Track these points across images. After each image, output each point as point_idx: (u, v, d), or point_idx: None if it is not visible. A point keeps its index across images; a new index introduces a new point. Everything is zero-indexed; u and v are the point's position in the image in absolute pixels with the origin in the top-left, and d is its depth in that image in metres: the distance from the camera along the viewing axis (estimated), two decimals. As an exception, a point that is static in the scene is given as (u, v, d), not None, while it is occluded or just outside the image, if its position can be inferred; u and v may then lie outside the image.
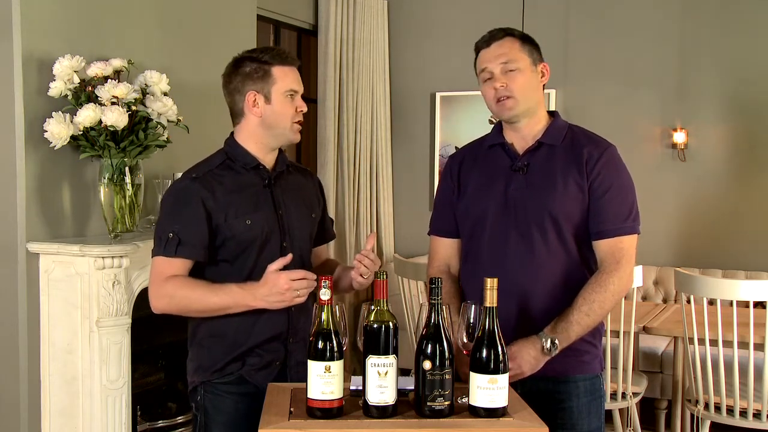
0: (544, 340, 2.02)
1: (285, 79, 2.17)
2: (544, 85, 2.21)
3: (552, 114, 2.22)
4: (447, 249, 2.30)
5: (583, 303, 2.06)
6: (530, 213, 2.11)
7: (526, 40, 2.16)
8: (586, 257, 2.15)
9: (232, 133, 2.25)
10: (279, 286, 2.03)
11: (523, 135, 2.18)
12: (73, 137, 2.93)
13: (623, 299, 3.49)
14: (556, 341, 2.02)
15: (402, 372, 1.80)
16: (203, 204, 2.12)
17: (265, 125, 2.19)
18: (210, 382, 2.19)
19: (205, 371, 2.19)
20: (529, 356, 2.01)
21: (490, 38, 2.15)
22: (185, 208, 2.13)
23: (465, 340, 1.90)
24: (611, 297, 2.07)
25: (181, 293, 2.10)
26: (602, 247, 2.11)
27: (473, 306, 1.89)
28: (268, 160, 2.24)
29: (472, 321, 1.89)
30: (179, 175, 3.37)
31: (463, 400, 1.82)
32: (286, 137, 2.22)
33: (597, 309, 2.06)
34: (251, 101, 2.18)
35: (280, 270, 2.05)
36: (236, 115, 2.23)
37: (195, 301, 2.11)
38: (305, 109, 2.22)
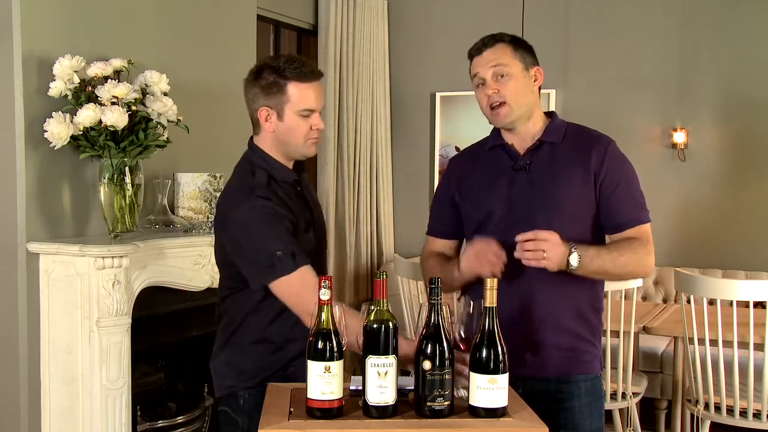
0: (572, 247, 2.00)
1: (300, 98, 2.11)
2: (540, 88, 2.22)
3: (549, 114, 2.24)
4: (443, 247, 2.33)
5: (615, 249, 2.07)
6: (535, 211, 2.11)
7: (519, 45, 2.17)
8: None
9: (255, 142, 2.21)
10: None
11: (522, 136, 2.19)
12: (73, 137, 2.93)
13: (623, 299, 3.51)
14: (582, 255, 2.00)
15: (402, 372, 1.80)
16: (288, 218, 2.08)
17: (278, 141, 2.16)
18: (256, 387, 2.13)
19: (252, 377, 2.16)
20: (559, 249, 1.98)
21: (482, 45, 2.16)
22: (276, 225, 2.06)
23: (462, 335, 1.89)
24: (635, 263, 2.08)
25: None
26: (625, 236, 2.12)
27: (471, 302, 1.89)
28: (291, 166, 2.24)
29: (466, 317, 1.89)
30: (180, 175, 3.42)
31: (460, 392, 1.82)
32: (299, 153, 2.19)
33: (621, 263, 2.06)
34: (264, 116, 2.15)
35: None
36: (254, 125, 2.21)
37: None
38: (322, 127, 2.16)
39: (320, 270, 2.18)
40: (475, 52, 2.17)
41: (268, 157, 2.18)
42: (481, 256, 2.04)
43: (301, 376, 2.07)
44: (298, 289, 2.03)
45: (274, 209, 2.07)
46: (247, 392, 2.17)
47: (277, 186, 2.15)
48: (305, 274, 2.03)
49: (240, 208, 2.09)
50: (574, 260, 2.00)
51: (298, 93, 2.10)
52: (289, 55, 2.24)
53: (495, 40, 2.16)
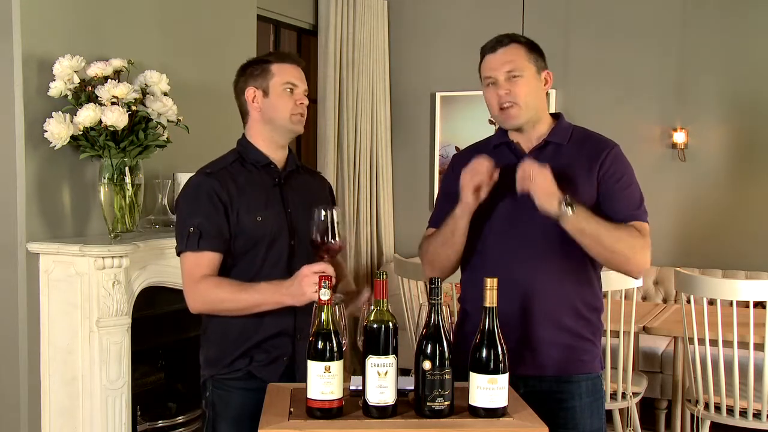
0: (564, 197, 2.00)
1: (282, 73, 2.22)
2: (547, 92, 2.23)
3: (556, 116, 2.24)
4: None
5: (614, 225, 2.04)
6: (536, 209, 2.11)
7: (532, 48, 2.17)
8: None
9: (244, 134, 2.31)
10: (300, 275, 2.03)
11: (528, 136, 2.20)
12: (73, 137, 2.93)
13: (623, 299, 3.50)
14: (574, 206, 1.98)
15: (402, 372, 1.80)
16: (218, 197, 2.16)
17: (265, 119, 2.24)
18: (218, 378, 2.22)
19: (214, 365, 2.23)
20: (552, 186, 1.99)
21: (496, 44, 2.16)
22: (202, 202, 2.17)
23: (319, 239, 2.03)
24: (629, 246, 2.05)
25: (214, 294, 2.14)
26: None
27: (322, 210, 2.02)
28: (278, 158, 2.28)
29: (321, 225, 2.02)
30: (179, 175, 3.42)
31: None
32: (288, 129, 2.25)
33: (616, 236, 2.03)
34: (251, 97, 2.24)
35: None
36: (244, 115, 2.30)
37: (226, 301, 2.14)
38: (305, 102, 2.26)
39: (280, 268, 2.19)
40: (489, 50, 2.17)
41: (247, 142, 2.28)
42: (474, 173, 2.07)
43: (267, 375, 2.15)
44: (187, 270, 2.17)
45: (211, 187, 2.17)
46: (211, 383, 2.24)
47: (241, 167, 2.24)
48: (200, 260, 2.14)
49: (187, 182, 2.26)
50: (565, 207, 1.98)
51: (281, 70, 2.23)
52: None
53: (510, 39, 2.16)
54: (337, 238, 2.03)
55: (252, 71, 2.25)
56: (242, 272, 2.19)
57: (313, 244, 2.03)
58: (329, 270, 2.01)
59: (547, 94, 2.29)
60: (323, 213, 2.02)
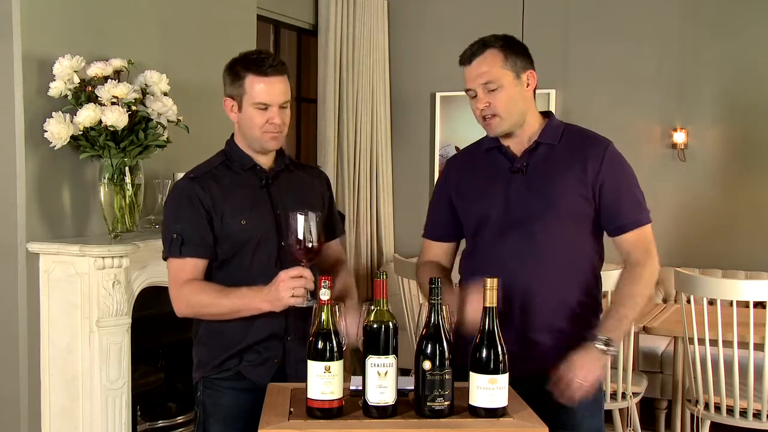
0: (597, 343, 2.05)
1: (255, 91, 2.14)
2: (536, 90, 2.18)
3: (546, 114, 2.22)
4: (438, 251, 2.33)
5: (627, 298, 2.11)
6: (532, 212, 2.11)
7: (510, 49, 2.11)
8: (588, 254, 2.16)
9: (233, 134, 2.29)
10: (277, 281, 2.03)
11: (519, 139, 2.19)
12: (73, 137, 2.93)
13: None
14: (611, 339, 2.05)
15: (402, 372, 1.80)
16: (201, 202, 2.15)
17: (241, 130, 2.23)
18: (209, 378, 2.22)
19: (204, 367, 2.23)
20: (591, 362, 2.04)
21: (471, 54, 2.12)
22: (185, 207, 2.16)
23: (295, 243, 2.02)
24: (648, 287, 2.13)
25: (196, 299, 2.14)
26: (627, 240, 2.13)
27: (298, 215, 2.00)
28: (264, 160, 2.24)
29: (298, 230, 2.01)
30: (179, 175, 3.40)
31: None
32: (259, 144, 2.20)
33: (640, 302, 2.12)
34: (228, 106, 2.22)
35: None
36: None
37: (208, 306, 2.14)
38: (277, 122, 2.16)
39: (270, 270, 2.14)
40: (465, 61, 2.13)
41: (233, 143, 2.26)
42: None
43: (257, 377, 2.15)
44: (172, 275, 2.18)
45: (194, 192, 2.16)
46: (202, 384, 2.23)
47: (227, 169, 2.22)
48: (184, 266, 2.15)
49: (173, 185, 2.27)
50: (609, 347, 2.05)
51: (254, 87, 2.15)
52: (258, 50, 2.29)
53: (485, 46, 2.11)
54: (313, 243, 2.02)
55: (232, 78, 2.18)
56: (231, 274, 2.17)
57: (290, 248, 2.03)
58: (306, 274, 2.01)
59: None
60: (299, 217, 2.01)
